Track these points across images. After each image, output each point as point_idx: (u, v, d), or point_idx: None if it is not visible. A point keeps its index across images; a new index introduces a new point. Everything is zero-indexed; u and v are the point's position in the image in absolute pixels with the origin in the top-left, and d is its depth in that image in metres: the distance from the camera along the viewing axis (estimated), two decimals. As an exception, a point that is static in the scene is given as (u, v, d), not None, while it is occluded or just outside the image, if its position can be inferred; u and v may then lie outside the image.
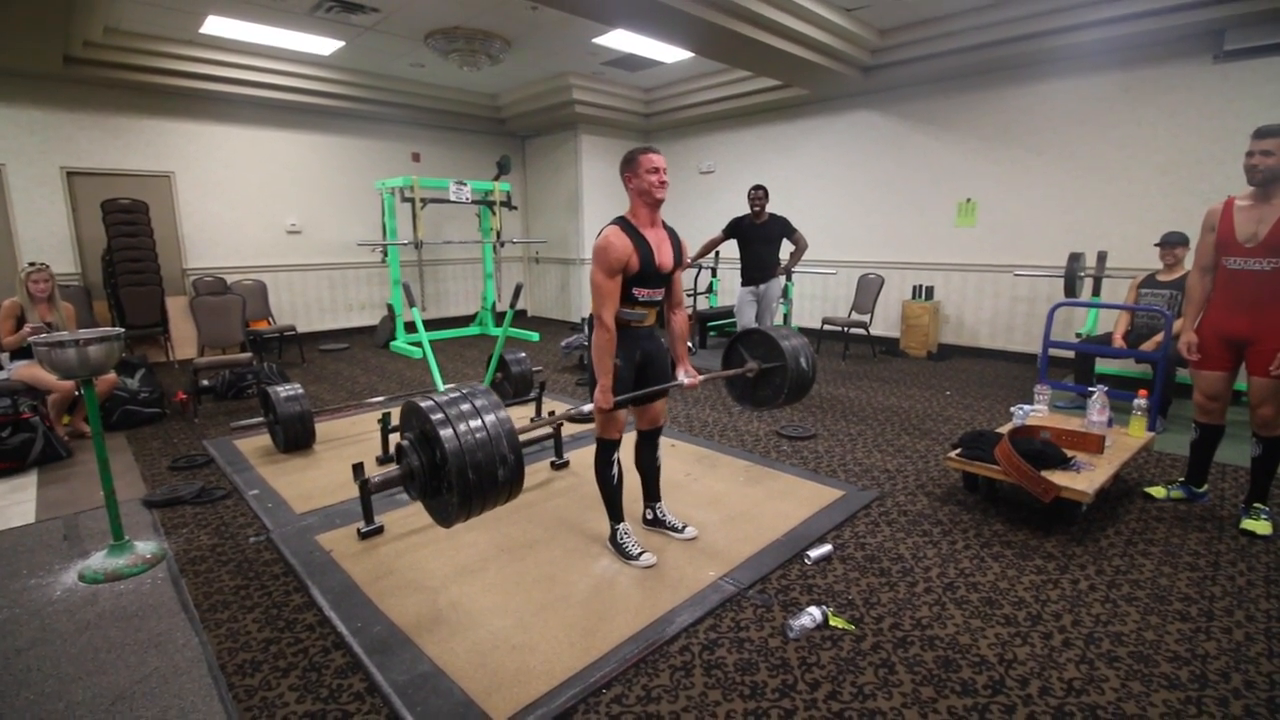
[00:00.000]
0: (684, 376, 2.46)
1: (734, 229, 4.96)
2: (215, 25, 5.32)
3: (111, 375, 4.12)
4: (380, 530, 2.71)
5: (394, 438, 3.62)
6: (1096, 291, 5.19)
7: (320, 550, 2.57)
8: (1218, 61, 4.82)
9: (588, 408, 2.30)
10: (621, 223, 2.23)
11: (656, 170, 2.20)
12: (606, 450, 2.41)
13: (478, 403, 1.79)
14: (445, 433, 1.69)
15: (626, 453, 2.49)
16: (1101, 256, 5.19)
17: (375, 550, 2.58)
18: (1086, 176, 5.56)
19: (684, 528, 2.65)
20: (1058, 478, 2.58)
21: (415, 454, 1.79)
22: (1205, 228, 2.69)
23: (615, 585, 2.28)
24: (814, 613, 2.02)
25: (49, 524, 2.91)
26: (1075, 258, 5.02)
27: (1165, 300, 4.22)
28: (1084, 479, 2.58)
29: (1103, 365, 5.28)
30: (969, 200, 6.25)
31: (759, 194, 4.82)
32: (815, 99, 7.02)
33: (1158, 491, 3.01)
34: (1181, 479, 3.04)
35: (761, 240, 4.88)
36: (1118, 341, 4.30)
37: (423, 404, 1.77)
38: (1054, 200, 5.71)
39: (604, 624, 2.05)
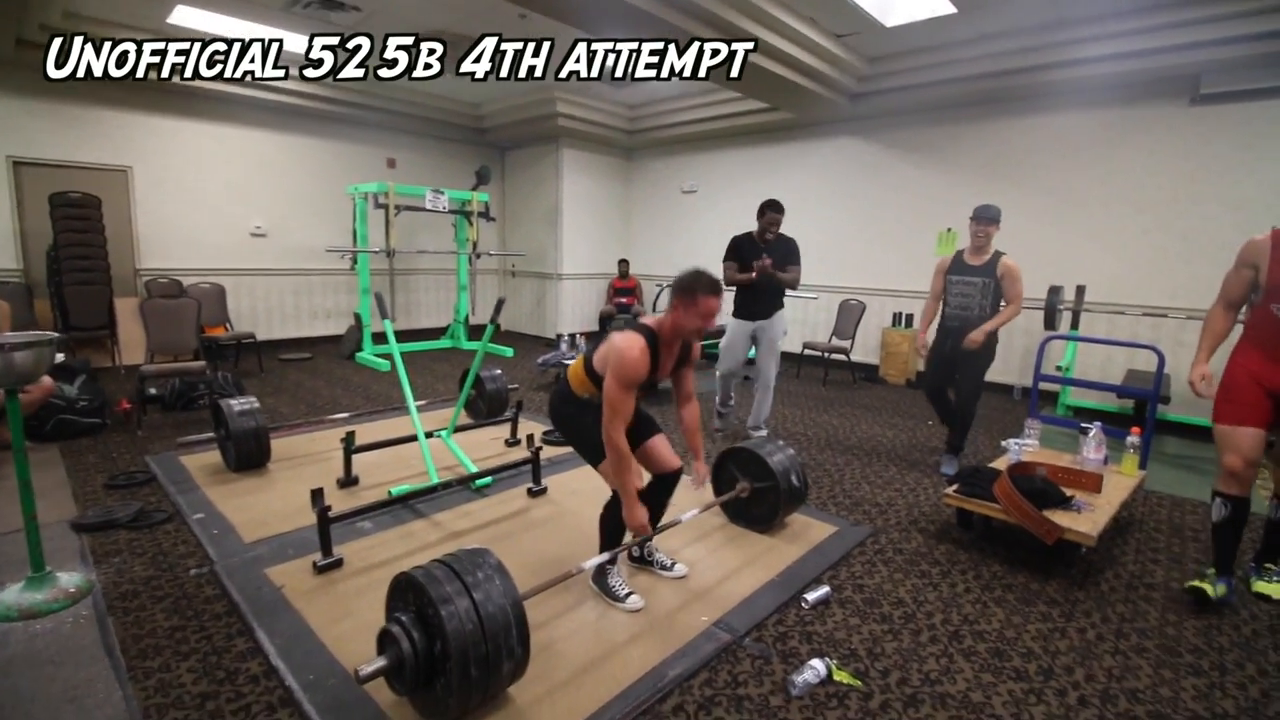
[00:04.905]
0: (694, 481, 2.34)
1: (734, 252, 4.17)
2: (184, 15, 5.06)
3: (48, 381, 3.78)
4: (339, 563, 2.47)
5: (357, 459, 3.37)
6: (1075, 325, 5.23)
7: (270, 586, 2.33)
8: (1194, 104, 4.93)
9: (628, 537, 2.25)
10: (650, 338, 2.06)
11: (712, 315, 2.05)
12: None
13: (486, 587, 1.63)
14: (452, 626, 1.53)
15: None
16: (1080, 290, 5.25)
17: (333, 586, 2.34)
18: (1065, 211, 5.63)
19: (673, 565, 2.48)
20: (1059, 518, 2.49)
21: (408, 639, 1.58)
22: (1241, 263, 2.33)
23: (600, 632, 2.09)
24: (817, 666, 1.87)
25: (-41, 549, 2.59)
26: (1055, 291, 5.05)
27: (978, 290, 3.55)
28: (1086, 520, 2.50)
29: (1077, 398, 5.33)
30: (950, 230, 6.29)
31: (777, 217, 4.04)
32: (800, 123, 7.02)
33: (1208, 587, 2.35)
34: (1213, 570, 2.43)
35: None
36: (921, 339, 3.80)
37: (422, 579, 1.60)
38: (1033, 233, 5.76)
39: (589, 678, 1.85)
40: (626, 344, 2.00)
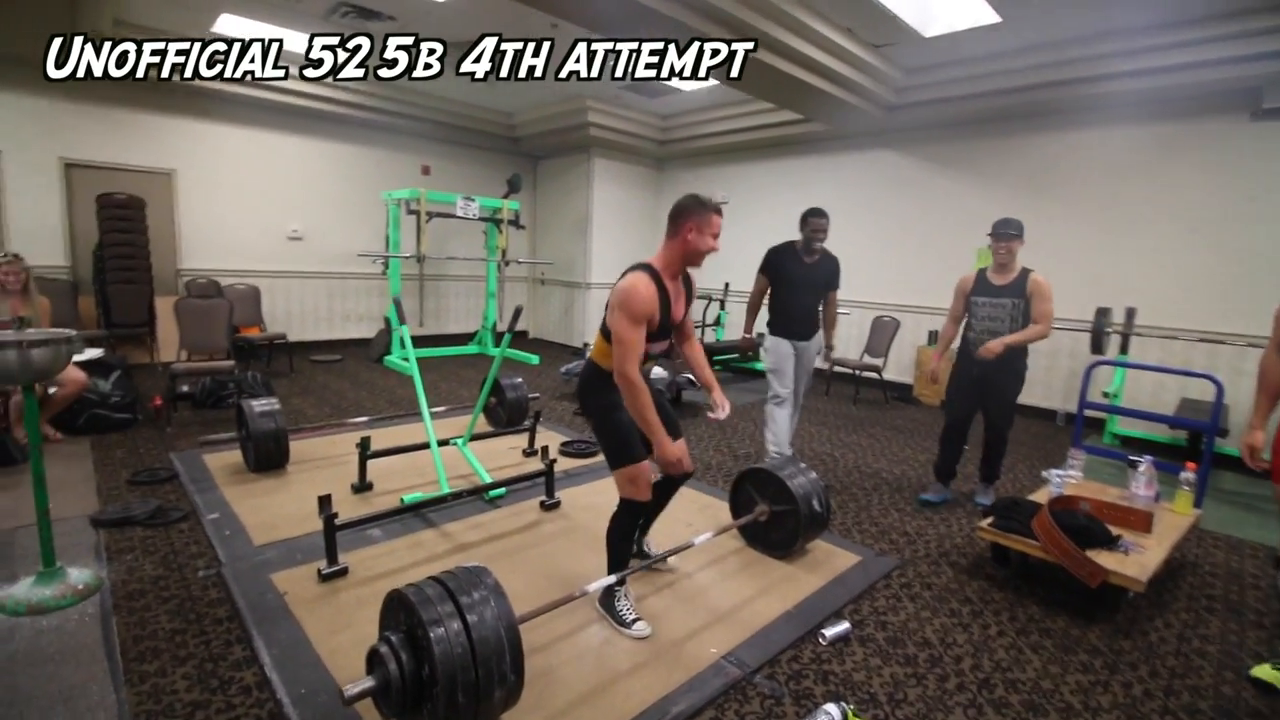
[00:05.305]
0: (717, 411, 2.26)
1: (772, 265, 3.75)
2: (227, 24, 5.20)
3: (82, 376, 3.87)
4: (344, 572, 2.43)
5: (374, 464, 3.35)
6: (1124, 349, 4.96)
7: (274, 592, 2.29)
8: (1255, 119, 4.65)
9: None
10: (649, 272, 2.03)
11: (719, 232, 2.09)
12: (634, 514, 2.15)
13: (480, 609, 1.56)
14: (440, 650, 1.46)
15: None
16: (1130, 313, 4.98)
17: (335, 596, 2.30)
18: (1113, 230, 5.37)
19: (666, 558, 2.42)
20: (1104, 559, 2.31)
21: (396, 661, 1.51)
22: None
23: (605, 660, 2.00)
24: (832, 711, 1.74)
25: (-20, 540, 2.63)
26: (1102, 313, 4.80)
27: (1007, 311, 3.28)
28: (1134, 563, 2.31)
29: (1125, 428, 5.05)
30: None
31: (821, 223, 3.67)
32: (834, 135, 6.88)
33: (1272, 676, 2.04)
34: None
35: (807, 285, 3.71)
36: (936, 361, 3.52)
37: (413, 598, 1.54)
38: (1078, 252, 5.51)
39: (588, 709, 1.76)
40: (629, 282, 1.98)
